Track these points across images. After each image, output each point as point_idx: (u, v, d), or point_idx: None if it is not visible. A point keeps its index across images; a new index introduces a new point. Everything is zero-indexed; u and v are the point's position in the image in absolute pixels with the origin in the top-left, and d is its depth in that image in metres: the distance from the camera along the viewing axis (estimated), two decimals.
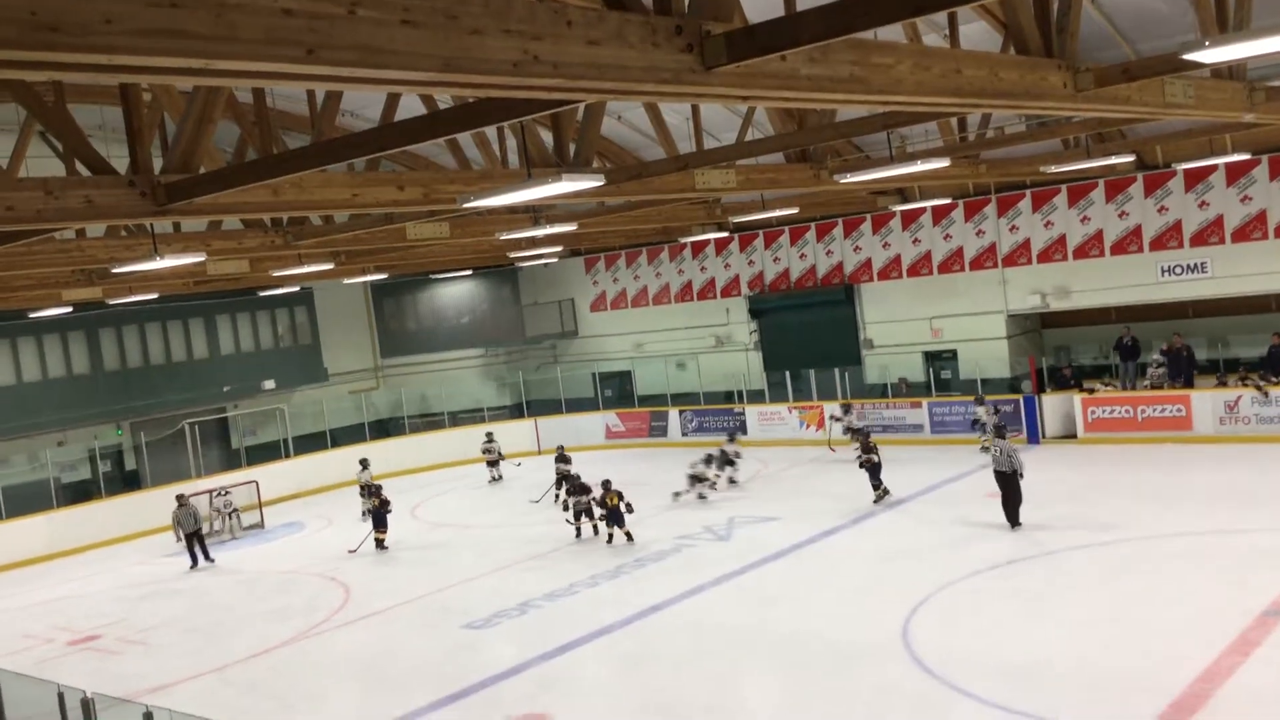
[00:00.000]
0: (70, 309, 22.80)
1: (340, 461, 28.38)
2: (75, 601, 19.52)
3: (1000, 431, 19.71)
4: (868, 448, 20.02)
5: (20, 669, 14.85)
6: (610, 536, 19.09)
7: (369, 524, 21.26)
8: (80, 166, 9.58)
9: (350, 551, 20.61)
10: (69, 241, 15.31)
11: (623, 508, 18.90)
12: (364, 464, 24.74)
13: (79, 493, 26.18)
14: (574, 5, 5.15)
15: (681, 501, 21.59)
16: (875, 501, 19.64)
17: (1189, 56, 7.16)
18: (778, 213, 22.24)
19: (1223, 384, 22.28)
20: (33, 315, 23.81)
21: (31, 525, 24.13)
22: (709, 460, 22.36)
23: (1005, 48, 10.18)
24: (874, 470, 19.90)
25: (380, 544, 20.58)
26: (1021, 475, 16.84)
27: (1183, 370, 22.71)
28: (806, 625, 13.52)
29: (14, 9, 3.27)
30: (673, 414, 29.73)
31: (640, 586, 16.11)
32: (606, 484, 19.18)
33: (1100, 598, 13.25)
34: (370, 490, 22.35)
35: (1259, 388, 21.12)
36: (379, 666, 14.05)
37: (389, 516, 20.91)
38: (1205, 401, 21.80)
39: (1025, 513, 16.85)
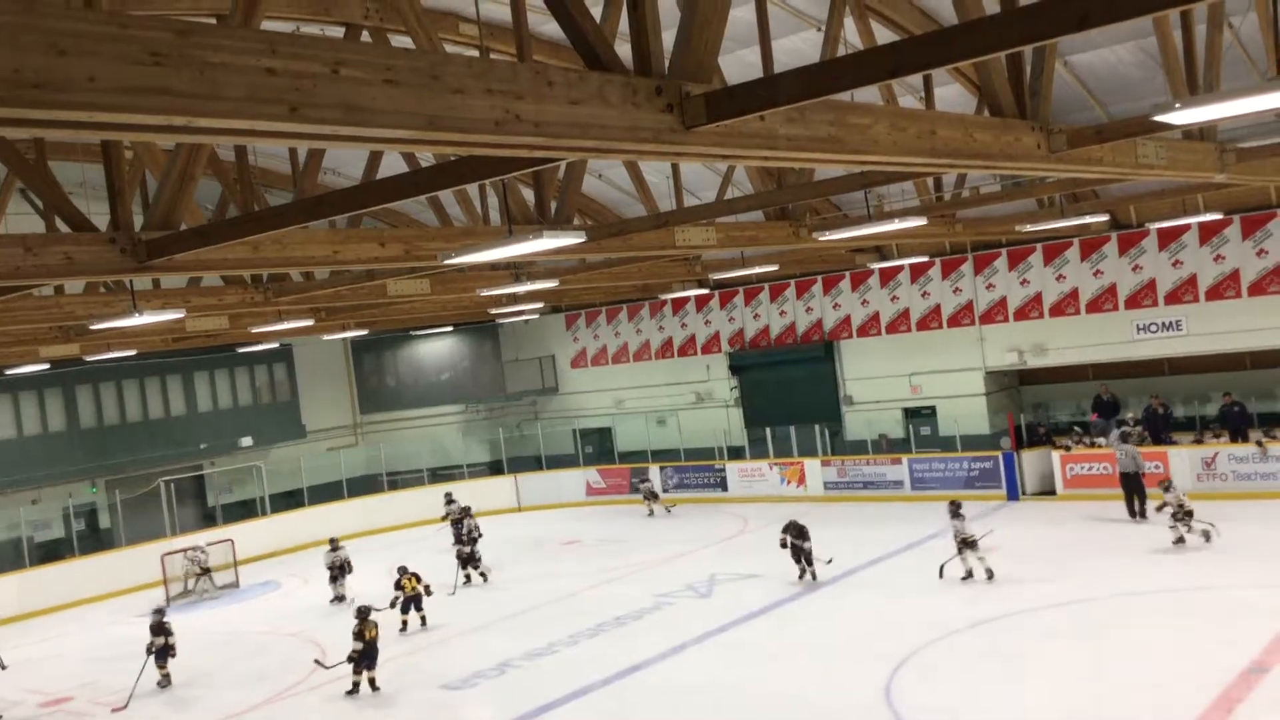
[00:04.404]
0: (48, 366, 22.65)
1: (318, 519, 28.12)
2: (47, 663, 19.16)
3: (1125, 436, 20.31)
4: (798, 532, 18.60)
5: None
6: (405, 624, 18.21)
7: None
8: (60, 223, 9.57)
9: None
10: (47, 298, 15.25)
11: (421, 590, 18.29)
12: (449, 497, 25.42)
13: (52, 552, 25.81)
14: (555, 66, 5.22)
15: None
16: (801, 577, 18.43)
17: (1160, 118, 7.29)
18: (758, 270, 22.40)
19: (1199, 441, 22.45)
20: (9, 372, 23.65)
21: (3, 585, 23.74)
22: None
23: (980, 109, 10.34)
24: (795, 554, 18.51)
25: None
26: (1144, 473, 19.59)
27: (1160, 430, 22.82)
28: (789, 685, 13.40)
29: None
30: (654, 470, 29.64)
31: (621, 645, 15.95)
32: (403, 569, 18.48)
33: (1082, 654, 13.19)
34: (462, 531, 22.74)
35: (1259, 444, 21.19)
36: None
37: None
38: (1183, 458, 21.90)
39: (1008, 568, 16.86)
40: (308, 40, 4.21)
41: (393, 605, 18.21)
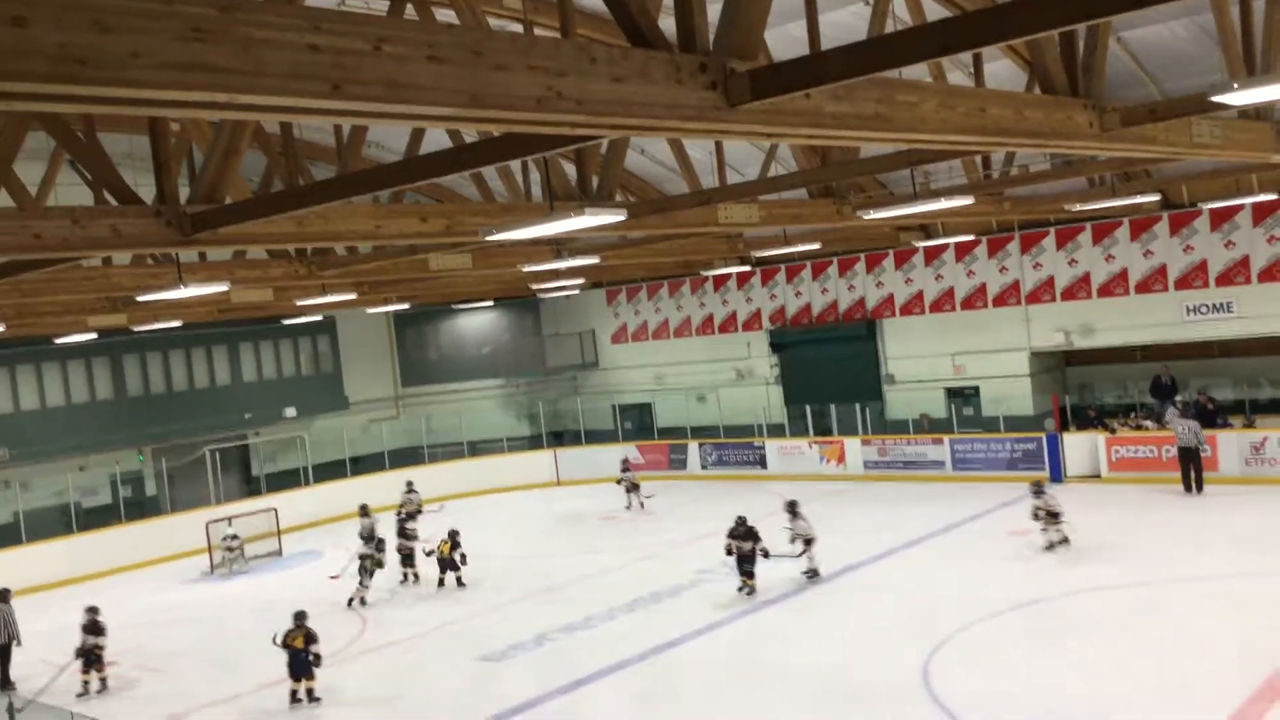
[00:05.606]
0: (95, 335, 22.98)
1: (360, 490, 28.39)
2: None
3: (1186, 411, 20.80)
4: (738, 534, 17.10)
5: (53, 694, 14.85)
6: (441, 581, 19.41)
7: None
8: (108, 195, 9.66)
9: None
10: (95, 269, 15.43)
11: (456, 558, 19.23)
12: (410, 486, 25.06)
13: (99, 518, 26.24)
14: (599, 42, 5.16)
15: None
16: (740, 589, 16.83)
17: (1218, 99, 7.12)
18: (800, 247, 22.23)
19: (1250, 425, 22.10)
20: (58, 341, 24.00)
21: (51, 550, 24.20)
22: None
23: (1030, 86, 10.14)
24: (741, 561, 16.96)
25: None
26: (1205, 450, 20.60)
27: (1207, 424, 22.36)
28: (825, 664, 13.36)
29: (42, 43, 3.29)
30: (692, 447, 29.63)
31: (657, 621, 15.99)
32: (453, 533, 19.57)
33: (1124, 641, 13.05)
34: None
35: None
36: (394, 698, 13.98)
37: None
38: (1231, 442, 21.56)
39: (1051, 551, 16.73)
40: (351, 17, 4.18)
41: (428, 554, 19.44)
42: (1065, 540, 17.39)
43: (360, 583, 18.96)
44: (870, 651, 13.68)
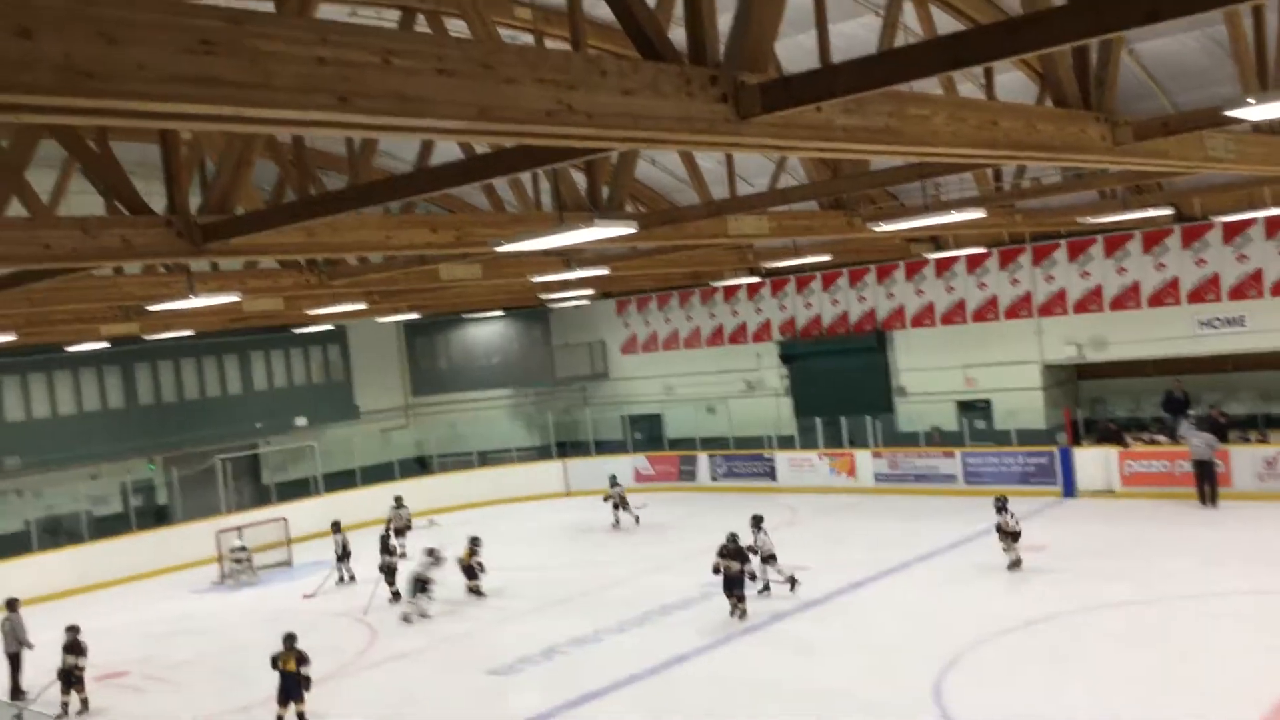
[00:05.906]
0: (107, 344, 23.02)
1: (370, 499, 28.39)
2: (102, 637, 19.39)
3: (1201, 424, 21.01)
4: (727, 553, 16.45)
5: (45, 705, 14.83)
6: (470, 587, 19.60)
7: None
8: (119, 204, 9.65)
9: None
10: (106, 278, 15.45)
11: (475, 565, 19.49)
12: (399, 501, 24.88)
13: (110, 527, 26.26)
14: (609, 53, 5.14)
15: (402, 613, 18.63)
16: (731, 613, 16.36)
17: (1233, 114, 7.07)
18: (810, 259, 22.17)
19: (1264, 440, 21.96)
20: (70, 350, 24.06)
21: (62, 558, 24.23)
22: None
23: (1042, 99, 10.10)
24: (729, 584, 16.39)
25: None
26: (1218, 466, 20.65)
27: (1221, 437, 22.21)
28: (835, 681, 13.28)
29: (48, 54, 3.27)
30: (702, 458, 29.56)
31: (666, 636, 15.92)
32: (473, 539, 19.76)
33: (1137, 658, 12.94)
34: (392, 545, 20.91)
35: None
36: (402, 710, 13.94)
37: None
38: (1244, 457, 21.42)
39: (1062, 566, 16.60)
40: (359, 29, 4.16)
41: (458, 561, 19.45)
42: (1018, 562, 17.35)
43: (413, 599, 18.42)
44: (881, 667, 13.59)
